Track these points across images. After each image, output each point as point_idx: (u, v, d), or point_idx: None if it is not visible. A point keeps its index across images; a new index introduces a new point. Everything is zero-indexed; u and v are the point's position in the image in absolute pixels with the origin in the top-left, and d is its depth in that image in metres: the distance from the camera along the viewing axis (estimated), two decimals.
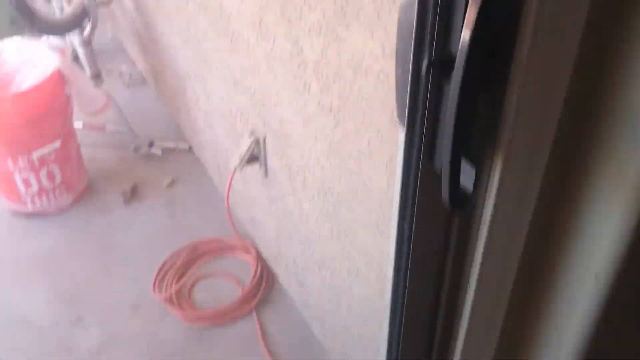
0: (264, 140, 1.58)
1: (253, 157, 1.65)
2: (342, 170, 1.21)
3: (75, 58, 2.78)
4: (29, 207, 2.25)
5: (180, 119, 2.51)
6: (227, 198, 1.69)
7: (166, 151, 2.55)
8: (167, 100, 2.66)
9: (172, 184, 2.40)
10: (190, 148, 2.53)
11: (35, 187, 2.19)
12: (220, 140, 1.99)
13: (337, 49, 1.05)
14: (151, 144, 2.53)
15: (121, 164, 2.53)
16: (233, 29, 1.52)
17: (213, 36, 1.69)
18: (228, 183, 1.69)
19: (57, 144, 2.13)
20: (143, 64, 2.92)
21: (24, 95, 2.03)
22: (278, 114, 1.44)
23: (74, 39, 2.42)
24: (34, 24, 2.12)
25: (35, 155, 2.10)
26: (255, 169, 1.70)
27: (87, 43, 2.41)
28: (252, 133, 1.62)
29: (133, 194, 2.36)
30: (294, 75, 1.27)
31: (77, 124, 2.46)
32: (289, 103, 1.34)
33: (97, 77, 2.50)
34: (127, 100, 2.91)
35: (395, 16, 0.83)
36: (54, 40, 2.28)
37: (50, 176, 2.20)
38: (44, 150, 2.11)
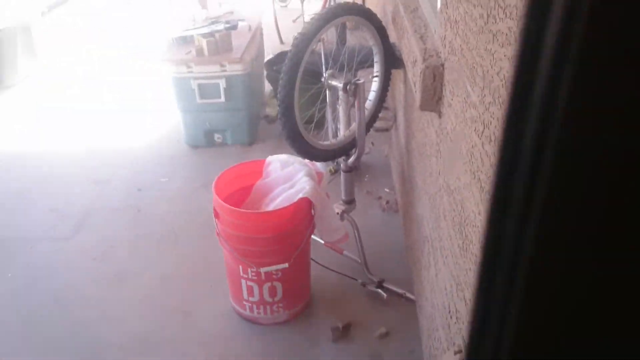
0: None
1: None
2: None
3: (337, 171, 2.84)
4: (247, 312, 2.30)
5: (414, 270, 2.34)
6: None
7: (392, 295, 2.39)
8: (408, 243, 2.53)
9: (384, 335, 2.23)
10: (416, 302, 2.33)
11: (256, 297, 2.23)
12: (435, 325, 1.76)
13: None
14: (380, 284, 2.41)
15: (345, 294, 2.45)
16: (466, 232, 1.31)
17: (450, 224, 1.50)
18: None
19: (285, 265, 2.13)
20: (399, 196, 2.86)
21: (270, 215, 2.10)
22: None
23: (339, 161, 2.46)
24: (304, 152, 2.18)
25: (263, 270, 2.14)
26: None
27: (349, 169, 2.42)
28: (457, 351, 1.37)
29: (343, 333, 2.25)
30: None
31: (320, 239, 2.47)
32: None
33: (350, 203, 2.48)
34: (376, 224, 2.86)
35: None
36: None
37: (272, 292, 2.22)
38: (272, 268, 2.14)
